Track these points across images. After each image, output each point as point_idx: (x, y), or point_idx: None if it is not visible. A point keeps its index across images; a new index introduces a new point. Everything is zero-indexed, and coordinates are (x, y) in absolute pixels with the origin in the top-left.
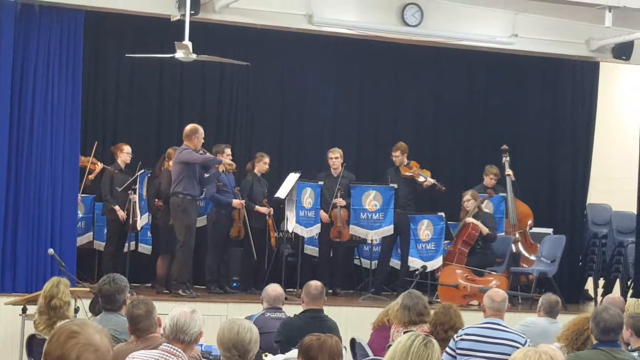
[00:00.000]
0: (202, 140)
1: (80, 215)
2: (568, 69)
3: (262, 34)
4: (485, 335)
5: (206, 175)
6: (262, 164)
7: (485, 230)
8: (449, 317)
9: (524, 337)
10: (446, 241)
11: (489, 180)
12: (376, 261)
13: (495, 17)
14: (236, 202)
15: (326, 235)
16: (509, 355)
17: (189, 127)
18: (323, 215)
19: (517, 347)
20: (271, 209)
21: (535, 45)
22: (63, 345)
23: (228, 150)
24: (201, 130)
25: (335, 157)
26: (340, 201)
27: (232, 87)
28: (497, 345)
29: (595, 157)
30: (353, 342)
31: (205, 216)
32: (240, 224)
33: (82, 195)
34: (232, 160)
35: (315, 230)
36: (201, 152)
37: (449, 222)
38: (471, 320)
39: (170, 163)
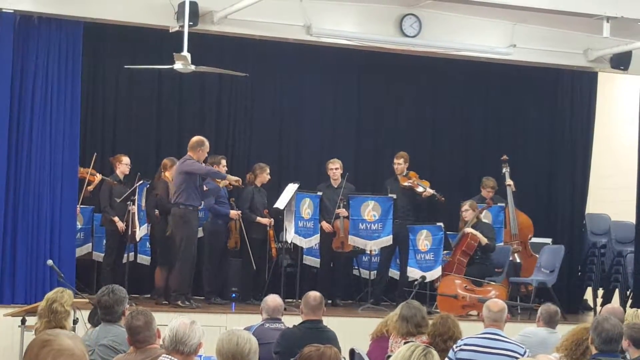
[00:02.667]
0: (207, 154)
1: (79, 226)
2: (566, 79)
3: (260, 45)
4: (485, 345)
5: (205, 188)
6: (265, 175)
7: (484, 240)
8: (447, 327)
9: (523, 347)
10: (445, 251)
11: (486, 192)
12: (375, 271)
13: (494, 27)
14: (233, 213)
15: (327, 245)
16: None
17: (195, 138)
18: (326, 225)
19: (516, 358)
20: (272, 219)
21: (533, 56)
22: (37, 355)
23: (224, 162)
24: (207, 143)
25: (336, 168)
26: (343, 211)
27: (230, 98)
28: (496, 356)
29: (594, 167)
30: (352, 352)
31: (201, 227)
32: (237, 235)
33: (81, 206)
34: (227, 170)
35: (314, 240)
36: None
37: (447, 233)
38: (470, 330)
39: (167, 174)
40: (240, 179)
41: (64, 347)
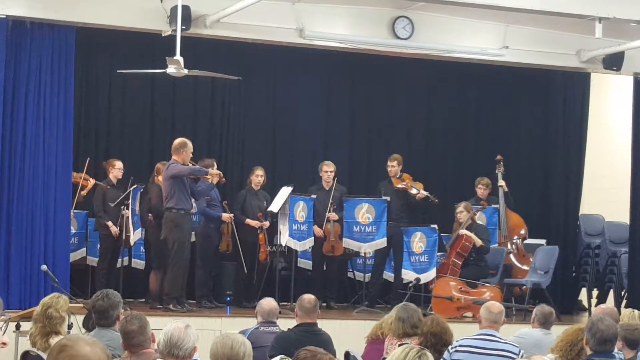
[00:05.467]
0: (191, 155)
1: (73, 231)
2: (559, 80)
3: (253, 48)
4: (480, 346)
5: (199, 188)
6: (254, 177)
7: (479, 242)
8: (439, 337)
9: (517, 347)
10: (439, 253)
11: (481, 191)
12: (369, 274)
13: (486, 29)
14: (225, 216)
15: (319, 249)
16: None
17: (177, 141)
18: (317, 230)
19: (512, 358)
20: (266, 222)
21: (526, 57)
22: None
23: (215, 165)
24: (190, 144)
25: (330, 171)
26: (333, 215)
27: (223, 102)
28: (492, 357)
29: (588, 168)
30: (347, 355)
31: (193, 231)
32: (228, 238)
33: (75, 211)
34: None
35: (309, 243)
36: (190, 164)
37: (442, 234)
38: (465, 332)
39: (160, 178)
40: (221, 172)
41: (80, 354)
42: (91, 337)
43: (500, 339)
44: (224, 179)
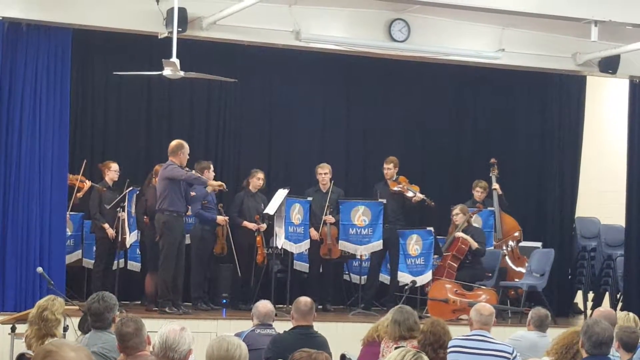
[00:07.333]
0: (188, 156)
1: (69, 233)
2: (555, 83)
3: (249, 50)
4: (473, 347)
5: (192, 194)
6: (255, 180)
7: (475, 244)
8: (438, 336)
9: (510, 347)
10: (435, 256)
11: (478, 194)
12: (365, 276)
13: (482, 32)
14: (220, 218)
15: (316, 251)
16: None
17: (174, 142)
18: (313, 233)
19: (506, 357)
20: (263, 225)
21: (522, 60)
22: None
23: (212, 167)
24: (186, 146)
25: (325, 173)
26: (330, 218)
27: (220, 104)
28: (486, 357)
29: (583, 171)
30: (343, 357)
31: (188, 234)
32: (223, 241)
33: (71, 213)
34: (215, 176)
35: (305, 246)
36: (186, 169)
37: (438, 237)
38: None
39: (156, 180)
40: (223, 184)
41: None
42: (76, 343)
43: (493, 339)
44: (226, 189)
